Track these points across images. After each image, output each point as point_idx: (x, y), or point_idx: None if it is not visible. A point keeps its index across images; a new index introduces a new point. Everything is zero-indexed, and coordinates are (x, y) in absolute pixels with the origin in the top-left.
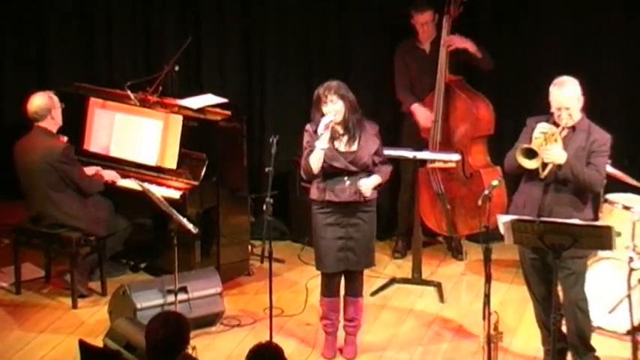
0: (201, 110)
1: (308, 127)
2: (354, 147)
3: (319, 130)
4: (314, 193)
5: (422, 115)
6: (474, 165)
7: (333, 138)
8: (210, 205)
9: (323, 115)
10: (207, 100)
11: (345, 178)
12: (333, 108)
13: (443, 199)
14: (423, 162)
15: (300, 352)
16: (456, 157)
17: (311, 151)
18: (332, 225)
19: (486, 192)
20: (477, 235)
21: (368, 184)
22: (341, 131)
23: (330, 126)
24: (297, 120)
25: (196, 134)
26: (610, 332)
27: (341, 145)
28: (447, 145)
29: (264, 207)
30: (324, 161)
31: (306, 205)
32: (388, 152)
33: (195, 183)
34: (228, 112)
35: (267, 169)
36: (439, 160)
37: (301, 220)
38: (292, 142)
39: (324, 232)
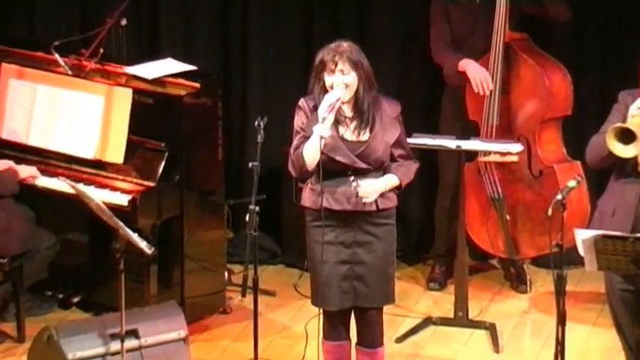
0: (159, 81)
1: (302, 102)
2: (366, 135)
3: (321, 112)
4: (307, 199)
5: (476, 70)
6: (545, 159)
7: (337, 121)
8: (171, 215)
9: (326, 89)
10: (168, 67)
11: (351, 178)
12: (343, 80)
13: (500, 207)
14: (472, 155)
15: None
16: (519, 147)
17: (306, 137)
18: (333, 244)
19: (560, 197)
20: (547, 257)
21: (372, 187)
22: (349, 113)
23: (336, 107)
24: (292, 97)
25: (152, 115)
26: None
27: (347, 131)
28: (505, 131)
29: (248, 218)
30: (323, 153)
31: (302, 215)
32: (420, 141)
33: (151, 184)
34: (197, 84)
35: (251, 165)
36: (495, 152)
37: (298, 236)
38: (286, 127)
39: (321, 253)
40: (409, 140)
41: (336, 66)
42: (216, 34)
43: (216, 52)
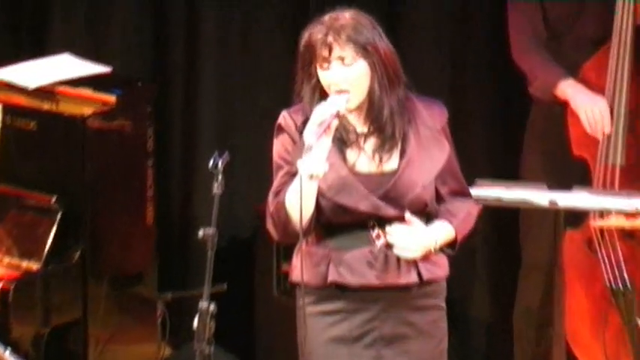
0: (46, 93)
1: (285, 117)
2: (393, 162)
3: (307, 136)
4: (299, 272)
5: (586, 101)
6: None
7: (342, 142)
8: (68, 319)
9: (322, 91)
10: (62, 69)
11: (374, 232)
12: (343, 76)
13: (627, 305)
14: (578, 217)
15: None
16: None
17: (291, 174)
18: (345, 342)
19: None
20: None
21: (412, 237)
22: (362, 127)
23: (333, 126)
24: (269, 116)
25: (36, 149)
26: None
27: (362, 159)
28: (637, 177)
29: (197, 323)
30: (324, 196)
31: (291, 315)
32: (488, 194)
33: (33, 265)
34: (112, 97)
35: (202, 233)
36: (619, 213)
37: (281, 347)
38: (261, 168)
39: (328, 355)
40: (473, 192)
41: (330, 52)
42: (144, 17)
43: (145, 46)
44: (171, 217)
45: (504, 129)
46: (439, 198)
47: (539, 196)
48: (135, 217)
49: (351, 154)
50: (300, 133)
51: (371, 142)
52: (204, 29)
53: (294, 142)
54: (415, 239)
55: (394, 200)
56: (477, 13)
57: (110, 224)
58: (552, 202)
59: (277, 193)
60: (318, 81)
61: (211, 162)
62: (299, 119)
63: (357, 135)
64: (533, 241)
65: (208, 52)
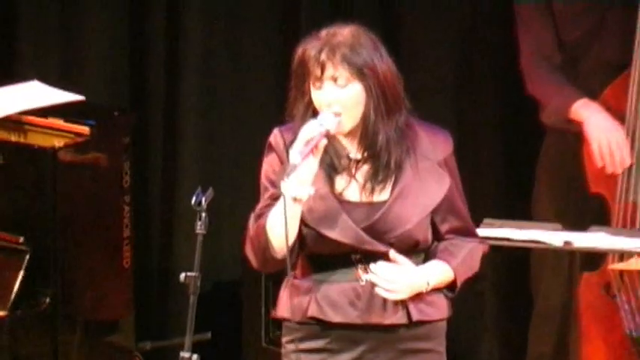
0: (13, 123)
1: (276, 135)
2: (385, 193)
3: (293, 155)
4: (285, 304)
5: (602, 126)
6: None
7: (332, 168)
8: None
9: (313, 108)
10: (31, 97)
11: (359, 268)
12: (335, 97)
13: None
14: (595, 260)
15: None
16: None
17: (277, 198)
18: None
19: None
20: None
21: (396, 275)
22: (355, 153)
23: (319, 143)
24: (256, 152)
25: (1, 183)
26: None
27: (352, 187)
28: None
29: None
30: (307, 226)
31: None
32: (496, 233)
33: (0, 311)
34: (85, 129)
35: (184, 277)
36: None
37: None
38: (251, 204)
39: None
40: (479, 231)
41: (323, 71)
42: (121, 39)
43: (122, 71)
44: (150, 259)
45: (515, 162)
46: (438, 236)
47: (552, 236)
48: (110, 259)
49: (340, 181)
50: (289, 152)
51: (363, 170)
52: (187, 53)
53: (281, 162)
54: (400, 280)
55: (381, 234)
56: (486, 34)
57: (83, 267)
58: (567, 243)
59: (259, 216)
60: (312, 99)
61: (194, 199)
62: (289, 138)
63: (349, 161)
64: (546, 285)
65: (191, 79)
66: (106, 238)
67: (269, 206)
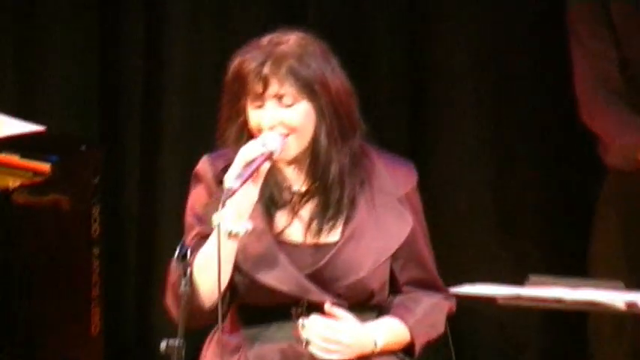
0: None
1: (204, 164)
2: (334, 234)
3: (229, 180)
4: None
5: None
6: None
7: (272, 200)
8: None
9: (249, 132)
10: None
11: (300, 322)
12: (279, 118)
13: None
14: None
15: None
16: None
17: (203, 237)
18: None
19: None
20: None
21: (332, 336)
22: (299, 184)
23: (261, 167)
24: None
25: None
26: None
27: (295, 226)
28: None
29: None
30: (239, 270)
31: None
32: (545, 294)
33: None
34: (46, 166)
35: (165, 347)
36: None
37: None
38: None
39: None
40: (523, 291)
41: (266, 88)
42: (91, 60)
43: (92, 98)
44: (124, 324)
45: (566, 204)
46: (395, 287)
47: (613, 296)
48: (76, 323)
49: (280, 217)
50: (220, 182)
51: (309, 206)
52: (168, 76)
53: (210, 194)
54: (339, 337)
55: (328, 283)
56: (530, 55)
57: (45, 333)
58: (631, 305)
59: (180, 260)
60: (245, 119)
61: (177, 252)
62: (220, 166)
63: (292, 195)
64: (607, 356)
65: (173, 108)
66: (70, 298)
67: (196, 246)
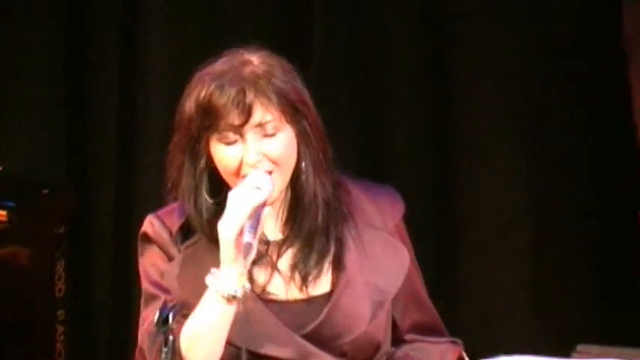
0: None
1: (152, 221)
2: (324, 283)
3: (246, 237)
4: None
5: None
6: None
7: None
8: None
9: (209, 176)
10: None
11: None
12: (267, 150)
13: None
14: None
15: None
16: None
17: (169, 308)
18: None
19: None
20: None
21: None
22: (275, 234)
23: (262, 218)
24: None
25: None
26: None
27: (276, 280)
28: None
29: None
30: (228, 343)
31: None
32: None
33: None
34: (2, 213)
35: None
36: None
37: None
38: None
39: None
40: None
41: (249, 117)
42: (59, 87)
43: (59, 131)
44: None
45: (612, 265)
46: (395, 335)
47: None
48: None
49: (259, 274)
50: (179, 243)
51: (289, 255)
52: (148, 108)
53: (169, 257)
54: None
55: (329, 341)
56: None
57: None
58: None
59: (155, 340)
60: (208, 165)
61: (157, 315)
62: (174, 224)
63: (268, 245)
64: None
65: (153, 150)
66: None
67: (185, 319)
